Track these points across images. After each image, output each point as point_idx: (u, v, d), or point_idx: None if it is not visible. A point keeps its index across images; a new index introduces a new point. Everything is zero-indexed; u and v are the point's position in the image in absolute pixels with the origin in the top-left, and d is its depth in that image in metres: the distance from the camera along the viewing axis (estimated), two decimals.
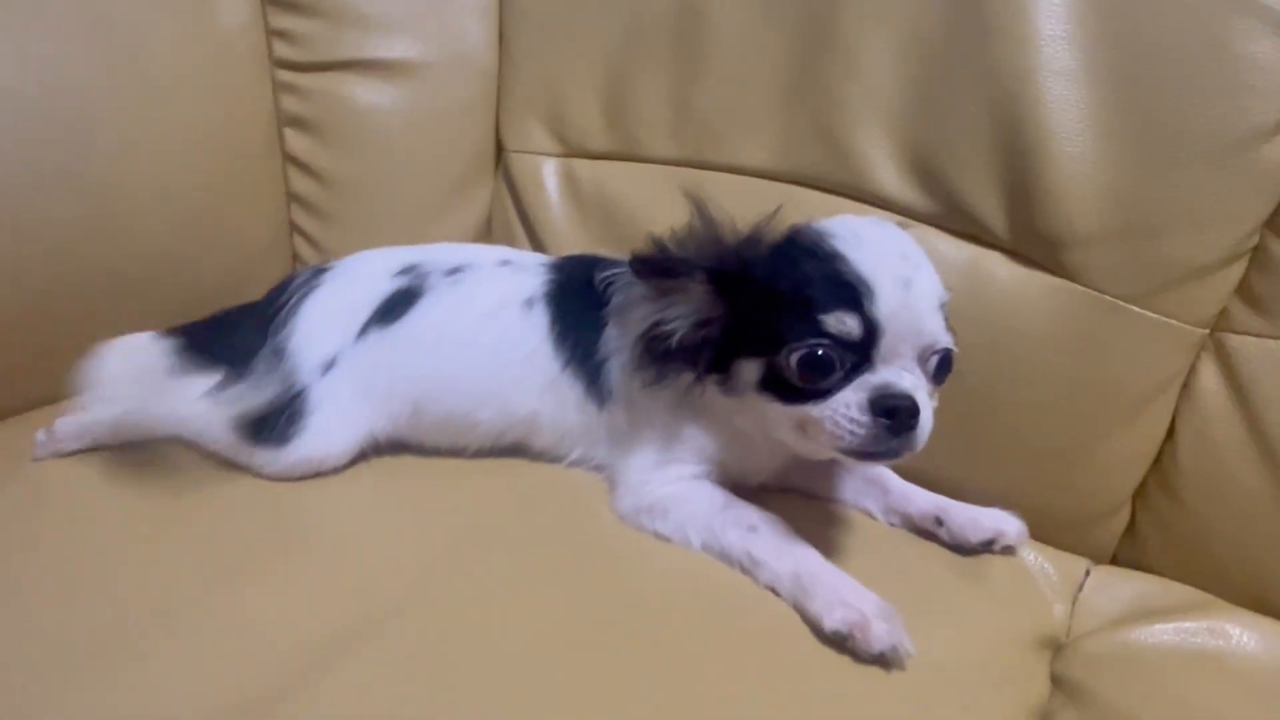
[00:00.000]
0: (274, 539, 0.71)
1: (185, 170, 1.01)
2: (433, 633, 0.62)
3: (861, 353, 0.66)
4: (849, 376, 0.66)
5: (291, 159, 1.09)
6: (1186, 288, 0.74)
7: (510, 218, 1.10)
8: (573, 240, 1.05)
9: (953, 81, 0.81)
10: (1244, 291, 0.74)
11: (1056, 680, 0.73)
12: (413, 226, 1.10)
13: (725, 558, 0.71)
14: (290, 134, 1.08)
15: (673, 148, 0.99)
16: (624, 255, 0.71)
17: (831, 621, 0.63)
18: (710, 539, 0.72)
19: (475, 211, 1.14)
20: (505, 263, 0.87)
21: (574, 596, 0.67)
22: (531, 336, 0.80)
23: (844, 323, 0.65)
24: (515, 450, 0.83)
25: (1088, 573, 0.82)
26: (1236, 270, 0.74)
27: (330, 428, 0.77)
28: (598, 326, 0.79)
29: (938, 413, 0.84)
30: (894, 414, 0.64)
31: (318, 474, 0.78)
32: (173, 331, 0.79)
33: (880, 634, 0.62)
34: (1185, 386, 0.77)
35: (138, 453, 0.78)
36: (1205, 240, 0.72)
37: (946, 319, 0.70)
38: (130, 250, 0.97)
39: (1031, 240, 0.79)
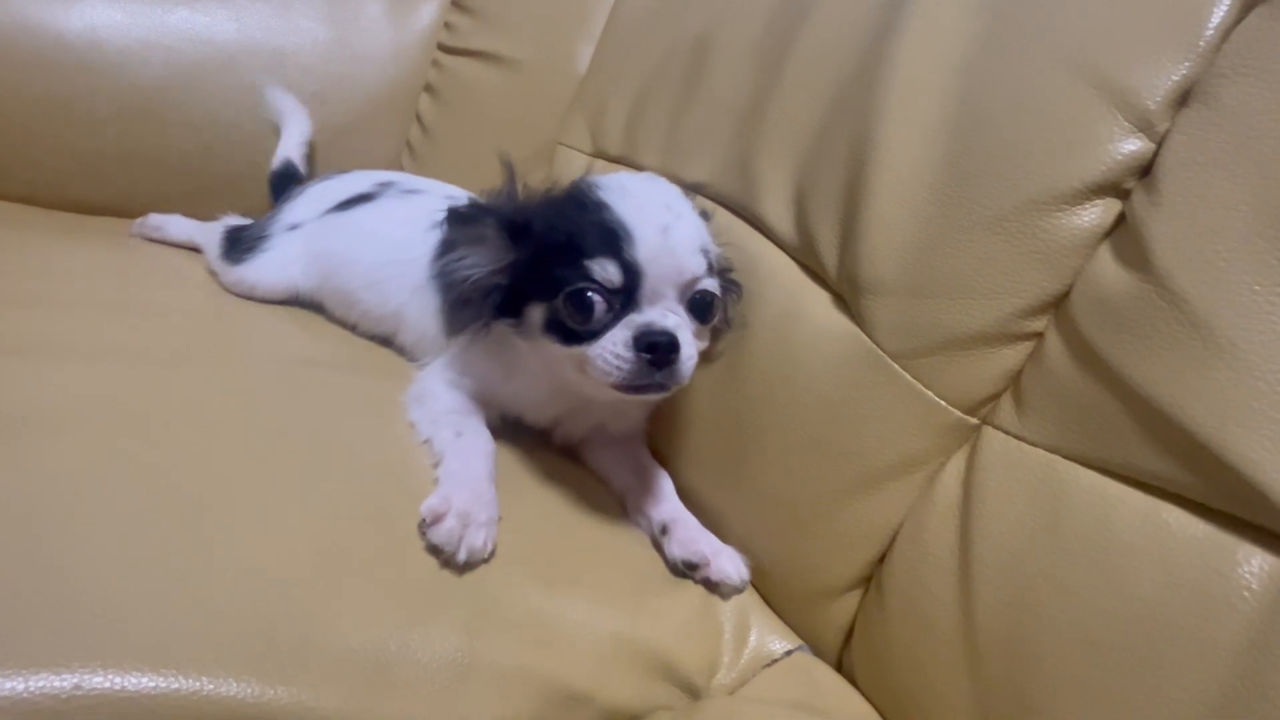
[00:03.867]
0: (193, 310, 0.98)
1: (352, 105, 1.40)
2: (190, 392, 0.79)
3: (627, 295, 0.72)
4: (617, 317, 0.72)
5: (417, 116, 1.41)
6: (950, 358, 0.64)
7: None
8: None
9: (839, 122, 0.81)
10: (1016, 384, 0.62)
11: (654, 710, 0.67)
12: (476, 185, 1.34)
13: (430, 449, 0.79)
14: (425, 98, 1.40)
15: (655, 159, 1.09)
16: None
17: (424, 504, 0.68)
18: (432, 431, 0.81)
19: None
20: (451, 197, 1.05)
21: (308, 423, 0.80)
22: (421, 247, 0.96)
23: (606, 268, 0.71)
24: (389, 343, 1.00)
25: (789, 654, 0.72)
26: (1011, 356, 0.62)
27: (268, 267, 1.03)
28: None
29: (714, 429, 0.83)
30: (655, 349, 0.70)
31: (251, 296, 1.04)
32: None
33: (442, 528, 0.66)
34: (934, 477, 0.66)
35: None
36: (972, 308, 0.63)
37: (714, 265, 0.75)
38: None
39: (845, 283, 0.75)
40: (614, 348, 0.70)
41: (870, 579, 0.70)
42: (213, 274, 1.07)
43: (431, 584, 0.65)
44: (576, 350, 0.73)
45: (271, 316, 1.01)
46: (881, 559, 0.69)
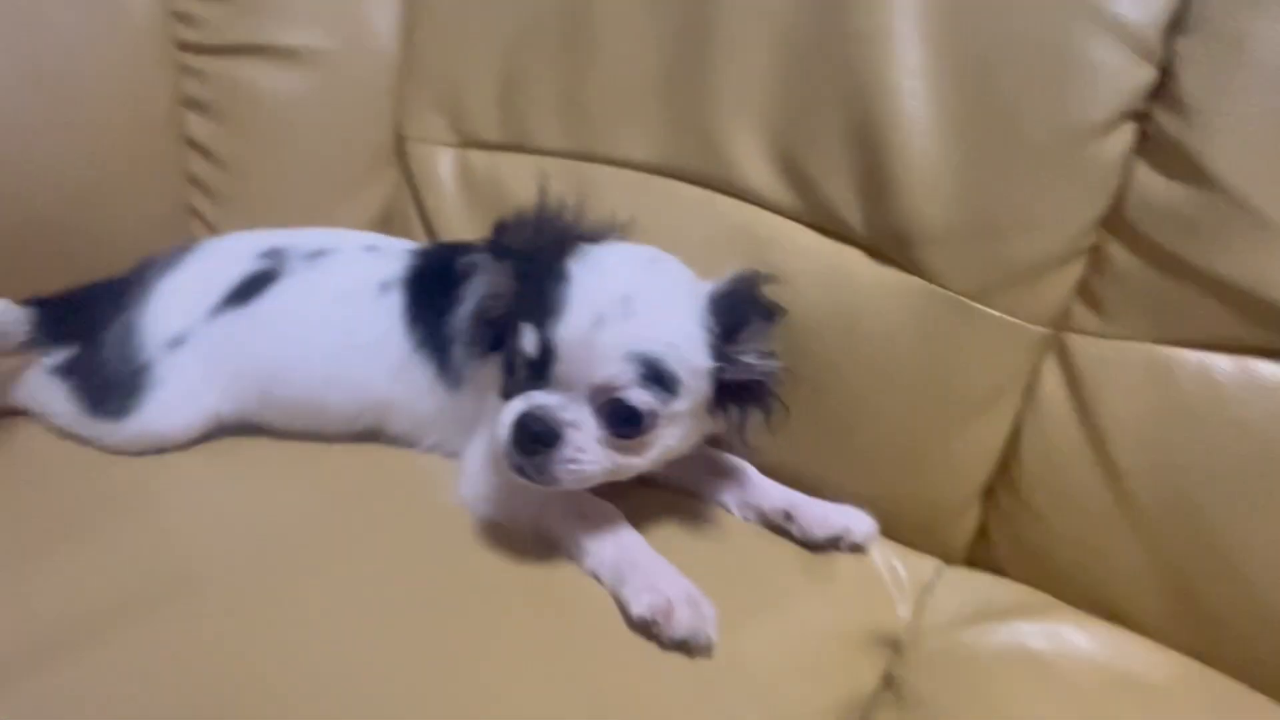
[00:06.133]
0: (99, 505, 0.71)
1: (79, 146, 1.02)
2: (248, 599, 0.62)
3: (540, 370, 0.66)
4: (527, 387, 0.67)
5: (191, 142, 1.09)
6: (1026, 285, 0.74)
7: (408, 207, 1.11)
8: (467, 230, 1.04)
9: (817, 76, 0.81)
10: (1084, 292, 0.74)
11: (890, 680, 0.72)
12: (311, 213, 1.09)
13: (553, 543, 0.71)
14: (192, 117, 1.09)
15: (561, 140, 0.99)
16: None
17: (638, 606, 0.64)
18: (541, 525, 0.72)
19: (376, 199, 1.13)
20: (370, 248, 0.87)
21: (395, 576, 0.67)
22: (384, 319, 0.80)
23: (528, 338, 0.66)
24: (373, 436, 0.83)
25: (938, 573, 0.82)
26: (1074, 270, 0.74)
27: (172, 403, 0.78)
28: (452, 311, 0.79)
29: (797, 409, 0.84)
30: (519, 430, 0.65)
31: (160, 448, 0.78)
32: (31, 301, 0.80)
33: (682, 619, 0.62)
34: (1029, 387, 0.77)
35: None
36: (1039, 239, 0.72)
37: (665, 376, 0.65)
38: (20, 218, 0.98)
39: (886, 237, 0.79)
40: (505, 416, 0.67)
41: (991, 489, 0.80)
42: (88, 441, 0.77)
43: (682, 685, 0.62)
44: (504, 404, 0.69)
45: (206, 465, 0.78)
46: (999, 470, 0.79)
